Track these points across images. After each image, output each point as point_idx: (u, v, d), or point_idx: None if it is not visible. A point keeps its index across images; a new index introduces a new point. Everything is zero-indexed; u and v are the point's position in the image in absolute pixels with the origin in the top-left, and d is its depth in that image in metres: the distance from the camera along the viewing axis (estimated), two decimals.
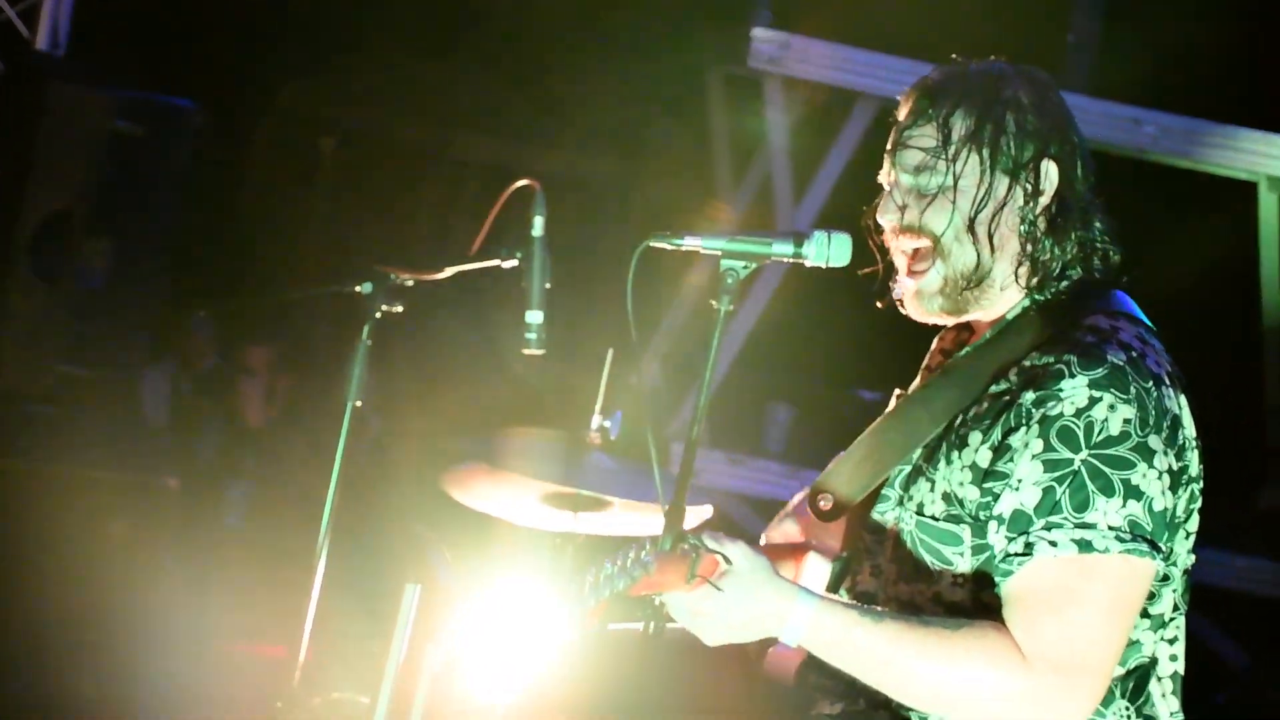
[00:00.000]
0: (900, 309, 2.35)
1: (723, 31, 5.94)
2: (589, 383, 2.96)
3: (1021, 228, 2.24)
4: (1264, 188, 5.64)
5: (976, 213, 2.22)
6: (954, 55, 2.35)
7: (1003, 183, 2.22)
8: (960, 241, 2.24)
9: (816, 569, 2.40)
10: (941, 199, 2.23)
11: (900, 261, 2.30)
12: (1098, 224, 2.28)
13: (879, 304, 2.36)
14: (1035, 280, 2.26)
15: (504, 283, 2.80)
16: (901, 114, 2.29)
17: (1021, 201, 2.23)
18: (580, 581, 2.10)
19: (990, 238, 2.23)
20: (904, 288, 2.31)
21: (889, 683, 2.13)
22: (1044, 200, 2.24)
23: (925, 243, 2.25)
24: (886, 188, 2.31)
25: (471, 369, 6.67)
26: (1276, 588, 5.41)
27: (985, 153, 2.22)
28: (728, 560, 2.12)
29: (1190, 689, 2.30)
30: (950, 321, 2.32)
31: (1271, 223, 5.71)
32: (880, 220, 2.29)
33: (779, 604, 2.12)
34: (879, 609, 2.16)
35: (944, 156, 2.22)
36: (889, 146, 2.30)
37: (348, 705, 2.81)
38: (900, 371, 2.52)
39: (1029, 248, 2.24)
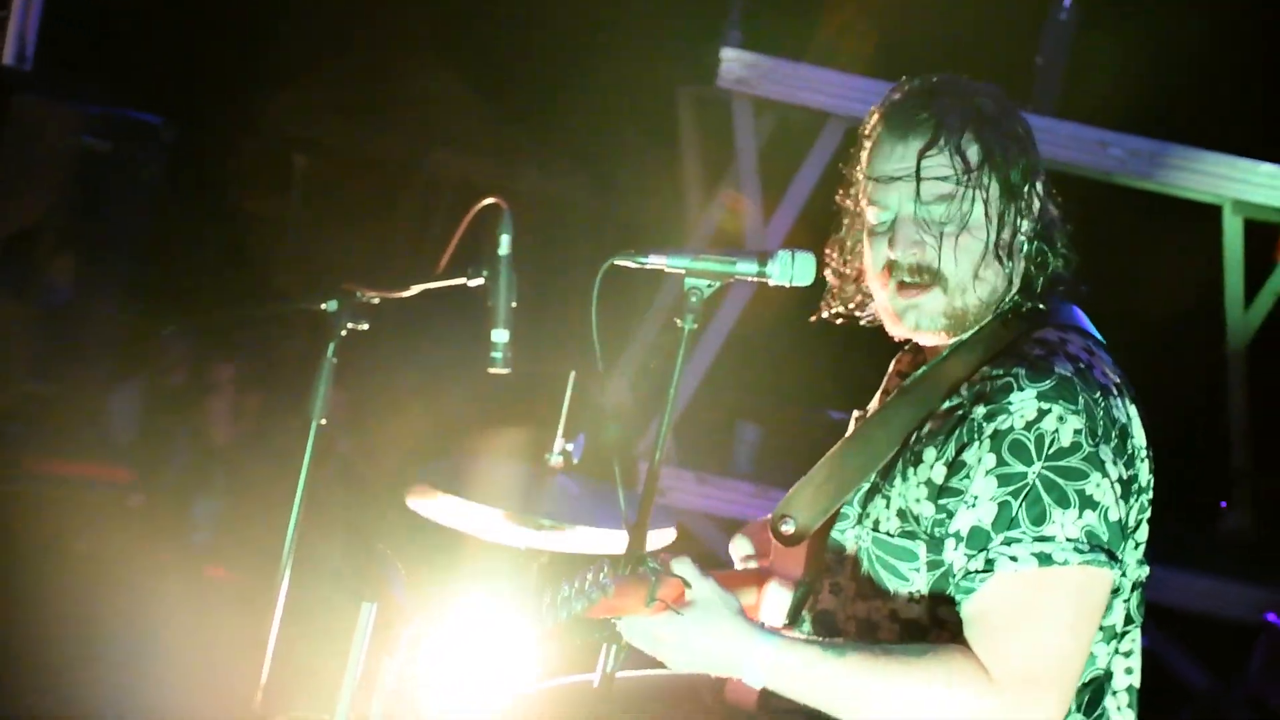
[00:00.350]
0: (822, 323, 2.37)
1: (693, 51, 5.96)
2: (550, 403, 2.96)
3: (1027, 250, 2.25)
4: (1228, 211, 5.68)
5: (997, 240, 2.22)
6: (902, 82, 2.33)
7: (1011, 208, 2.23)
8: (980, 276, 2.23)
9: (779, 595, 2.41)
10: (964, 233, 2.21)
11: (888, 285, 2.28)
12: (1058, 232, 2.30)
13: (812, 318, 2.38)
14: (1024, 294, 2.27)
15: (454, 308, 2.80)
16: (890, 135, 2.25)
17: (1023, 223, 2.25)
18: (538, 603, 2.10)
19: (1005, 263, 2.24)
20: (889, 304, 2.30)
21: (857, 716, 2.13)
22: (1037, 218, 2.26)
23: (931, 278, 2.24)
24: (876, 219, 2.28)
25: (438, 388, 6.66)
26: (1239, 609, 5.44)
27: (998, 178, 2.22)
28: (688, 584, 2.12)
29: (1152, 710, 2.32)
30: (944, 340, 2.30)
31: (1236, 246, 5.75)
32: (893, 255, 2.25)
33: (739, 643, 2.12)
34: (840, 641, 2.16)
35: (967, 184, 2.20)
36: (882, 174, 2.24)
37: None
38: (870, 392, 2.53)
39: (1026, 265, 2.26)
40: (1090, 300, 2.33)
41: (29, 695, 4.13)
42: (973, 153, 2.21)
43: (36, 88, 4.87)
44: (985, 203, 2.21)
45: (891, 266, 2.25)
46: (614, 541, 2.98)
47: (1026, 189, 2.23)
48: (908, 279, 2.24)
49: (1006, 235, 2.22)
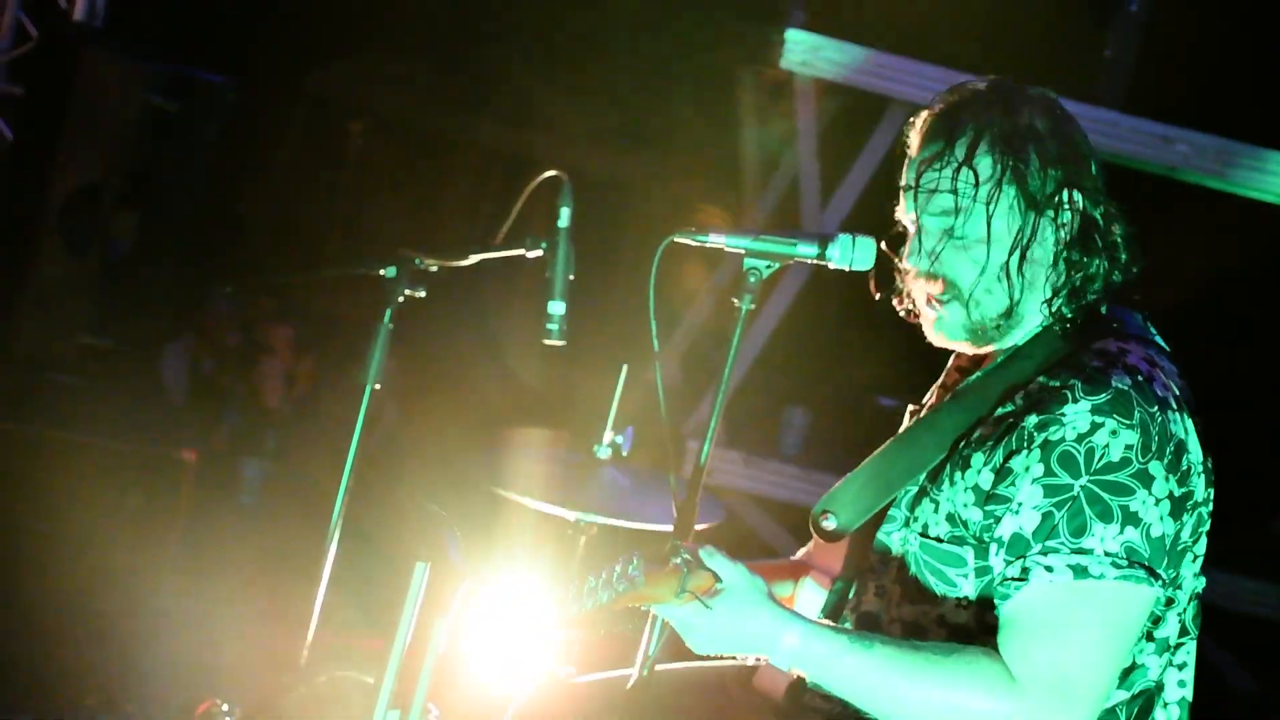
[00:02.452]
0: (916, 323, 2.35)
1: (755, 31, 5.94)
2: (601, 381, 2.96)
3: (1051, 259, 2.22)
4: None
5: (1009, 257, 2.20)
6: (964, 75, 2.33)
7: (1032, 220, 2.21)
8: (990, 290, 2.22)
9: (816, 588, 2.40)
10: (973, 246, 2.21)
11: (920, 295, 2.29)
12: (1119, 237, 2.27)
13: (897, 307, 2.36)
14: (1064, 302, 2.25)
15: (505, 282, 2.82)
16: (916, 146, 2.25)
17: (1050, 235, 2.22)
18: (565, 591, 2.10)
19: (1020, 278, 2.22)
20: (925, 316, 2.30)
21: (880, 708, 2.13)
22: (1074, 229, 2.22)
23: (948, 289, 2.24)
24: (908, 227, 2.29)
25: (479, 367, 6.68)
26: None
27: (1014, 191, 2.20)
28: (718, 578, 2.12)
29: (1197, 711, 2.30)
30: (972, 350, 2.31)
31: None
32: (907, 264, 2.27)
33: (770, 627, 2.12)
34: (870, 634, 2.15)
35: (974, 198, 2.19)
36: (906, 183, 2.26)
37: (353, 684, 2.82)
38: (919, 380, 2.52)
39: (1059, 276, 2.23)
40: (1150, 300, 2.30)
41: (73, 642, 4.19)
42: (983, 167, 2.19)
43: (106, 45, 4.90)
44: (992, 218, 2.19)
45: (917, 278, 2.26)
46: (665, 516, 2.97)
47: (1054, 201, 2.20)
48: (928, 289, 2.25)
49: (1019, 253, 2.20)
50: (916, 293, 2.29)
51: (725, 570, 2.13)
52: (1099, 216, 2.24)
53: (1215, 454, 2.22)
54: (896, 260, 2.31)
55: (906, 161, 2.27)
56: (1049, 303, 2.24)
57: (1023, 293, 2.23)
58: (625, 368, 2.83)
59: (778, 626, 2.12)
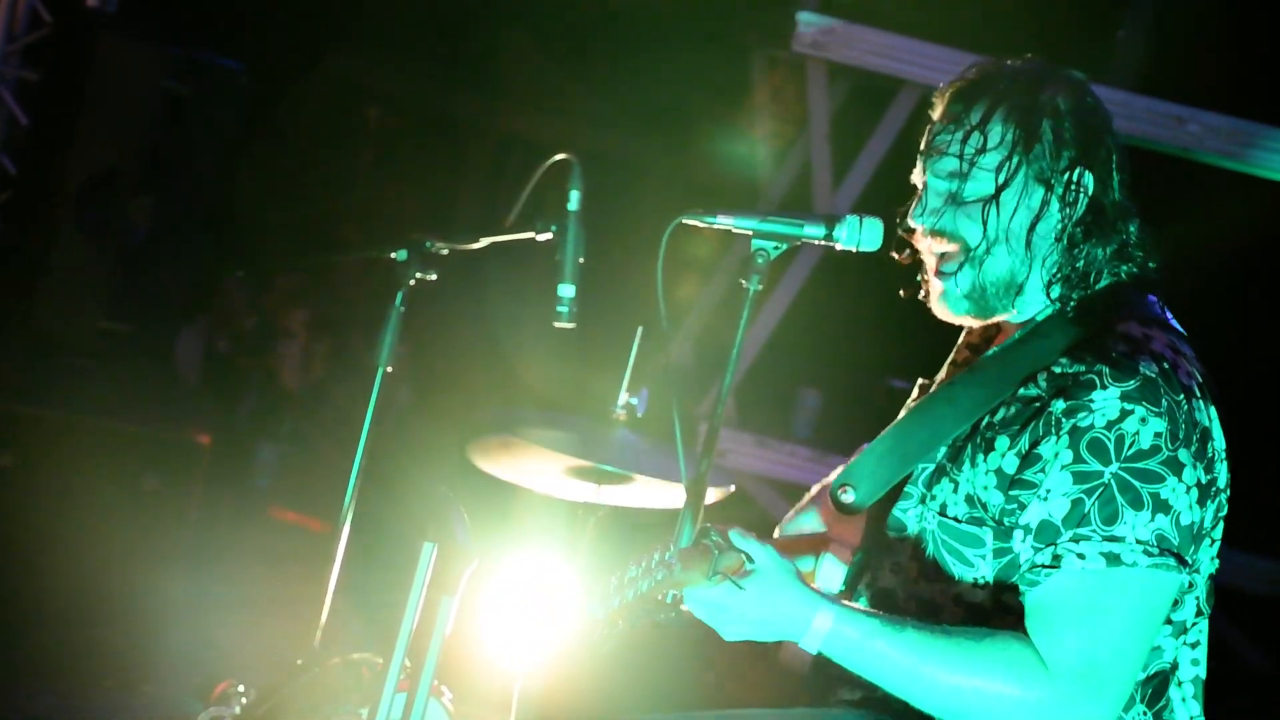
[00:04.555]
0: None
1: (768, 15, 5.93)
2: (617, 361, 2.97)
3: (1055, 235, 2.22)
4: None
5: (1011, 222, 2.21)
6: (984, 56, 2.33)
7: (1038, 192, 2.21)
8: (993, 252, 2.22)
9: (836, 563, 2.41)
10: (976, 207, 2.22)
11: (929, 261, 2.29)
12: (1133, 227, 2.27)
13: (902, 293, 2.36)
14: (1068, 285, 2.24)
15: (523, 262, 2.82)
16: (936, 113, 2.27)
17: (1056, 210, 2.22)
18: (604, 584, 2.11)
19: (1024, 247, 2.22)
20: (932, 287, 2.30)
21: (910, 692, 2.13)
22: (1079, 209, 2.22)
23: (955, 248, 2.24)
24: (919, 188, 2.31)
25: (498, 347, 6.70)
26: None
27: (1022, 161, 2.21)
28: (751, 559, 2.13)
29: (1211, 691, 2.30)
30: (976, 324, 2.32)
31: None
32: (912, 222, 2.28)
33: (800, 610, 2.12)
34: (900, 618, 2.15)
35: (980, 164, 2.21)
36: (922, 147, 2.28)
37: (366, 665, 2.84)
38: (931, 361, 2.52)
39: (1063, 256, 2.23)
40: (1168, 279, 2.30)
41: (90, 625, 4.23)
42: (996, 134, 2.20)
43: (121, 30, 4.92)
44: (1000, 187, 2.20)
45: (924, 239, 2.27)
46: (672, 495, 2.99)
47: (1063, 178, 2.21)
48: (937, 248, 2.26)
49: (1022, 220, 2.21)
50: (926, 257, 2.30)
51: (756, 551, 2.13)
52: (1109, 205, 2.24)
53: (1233, 436, 2.22)
54: (905, 228, 2.32)
55: (927, 127, 2.30)
56: (1049, 285, 2.24)
57: (1026, 263, 2.23)
58: (640, 329, 2.85)
59: (809, 609, 2.12)
